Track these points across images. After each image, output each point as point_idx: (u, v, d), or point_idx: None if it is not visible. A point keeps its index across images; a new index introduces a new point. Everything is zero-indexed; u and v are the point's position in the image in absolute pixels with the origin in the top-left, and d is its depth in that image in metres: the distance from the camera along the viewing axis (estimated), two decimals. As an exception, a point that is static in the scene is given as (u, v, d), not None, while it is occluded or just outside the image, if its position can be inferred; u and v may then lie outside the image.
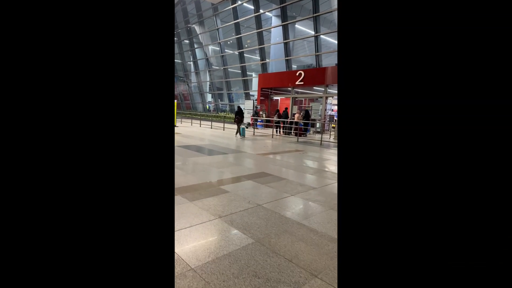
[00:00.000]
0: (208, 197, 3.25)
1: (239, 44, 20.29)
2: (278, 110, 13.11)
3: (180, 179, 3.98)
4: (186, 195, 3.28)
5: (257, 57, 20.98)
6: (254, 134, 11.83)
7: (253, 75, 20.96)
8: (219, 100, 24.53)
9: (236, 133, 10.71)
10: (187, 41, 26.01)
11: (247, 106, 16.95)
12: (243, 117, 10.74)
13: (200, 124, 16.06)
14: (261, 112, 16.02)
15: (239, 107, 11.23)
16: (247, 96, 20.54)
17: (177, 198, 3.15)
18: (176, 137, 9.50)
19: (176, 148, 6.93)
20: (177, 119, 15.79)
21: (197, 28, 24.36)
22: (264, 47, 18.62)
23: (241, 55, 20.44)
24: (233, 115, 20.46)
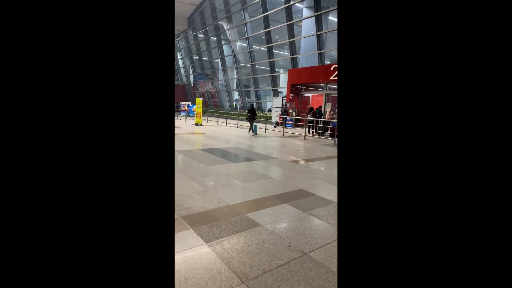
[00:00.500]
0: (230, 234, 2.32)
1: (268, 39, 19.25)
2: (312, 108, 11.88)
3: (198, 200, 3.11)
4: (201, 229, 2.39)
5: (285, 53, 19.80)
6: (283, 135, 10.79)
7: (281, 71, 19.84)
8: (246, 97, 23.77)
9: (249, 131, 10.79)
10: (214, 38, 25.54)
11: (275, 104, 15.91)
12: (255, 114, 10.86)
13: (226, 123, 15.35)
14: (290, 110, 14.89)
15: (252, 105, 11.36)
16: (275, 93, 19.48)
17: (189, 235, 2.27)
18: (201, 138, 8.79)
19: (199, 152, 6.15)
20: (203, 118, 15.23)
21: (224, 24, 23.75)
22: (294, 40, 17.40)
23: (269, 50, 19.39)
24: (260, 113, 19.67)
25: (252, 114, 10.74)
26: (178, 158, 5.33)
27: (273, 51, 19.45)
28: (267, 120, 13.30)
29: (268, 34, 19.08)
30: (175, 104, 21.05)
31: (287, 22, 17.11)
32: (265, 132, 11.66)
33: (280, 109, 15.10)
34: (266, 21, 18.88)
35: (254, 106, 11.98)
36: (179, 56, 33.47)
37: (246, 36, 21.03)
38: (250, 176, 4.28)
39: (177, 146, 6.78)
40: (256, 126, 10.86)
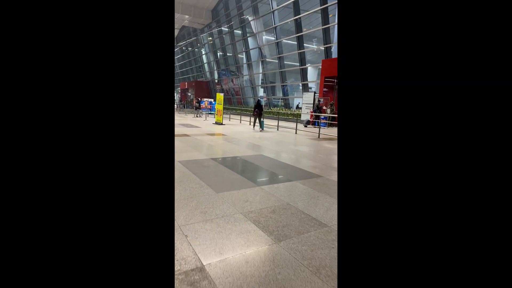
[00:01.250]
0: None
1: (298, 27, 17.17)
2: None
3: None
4: None
5: (313, 45, 17.62)
6: (319, 137, 8.80)
7: (308, 65, 17.65)
8: (271, 94, 21.88)
9: (254, 126, 10.66)
10: (239, 31, 23.89)
11: (306, 100, 13.88)
12: (262, 110, 10.64)
13: (250, 121, 13.63)
14: (324, 107, 12.77)
15: (258, 100, 11.09)
16: (305, 88, 17.38)
17: None
18: (218, 141, 7.13)
19: (211, 164, 4.45)
20: (224, 116, 13.64)
21: (250, 15, 21.98)
22: (328, 27, 15.18)
23: (299, 41, 17.29)
24: (287, 111, 17.75)
25: (259, 110, 10.45)
26: (179, 176, 3.66)
27: (304, 43, 17.35)
28: (297, 118, 11.34)
29: (298, 22, 17.00)
30: (196, 100, 19.80)
31: (320, 6, 14.92)
32: (296, 132, 9.74)
33: (311, 105, 13.06)
34: (296, 7, 16.80)
35: (261, 102, 11.23)
36: (203, 52, 32.39)
37: (274, 26, 19.07)
38: (285, 219, 2.45)
39: (185, 154, 5.15)
40: (263, 122, 10.55)
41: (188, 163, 4.38)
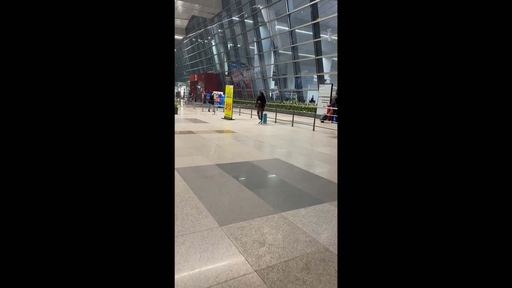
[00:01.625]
0: None
1: (313, 14, 15.85)
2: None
3: None
4: None
5: (327, 36, 16.27)
6: (340, 135, 7.74)
7: (324, 56, 16.35)
8: (283, 86, 20.71)
9: (259, 121, 10.31)
10: (250, 21, 22.66)
11: (322, 93, 12.73)
12: (265, 102, 10.50)
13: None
14: (344, 101, 11.62)
15: (261, 92, 10.80)
16: (321, 80, 16.15)
17: None
18: (226, 140, 6.23)
19: (215, 174, 3.55)
20: (233, 110, 12.70)
21: (261, 4, 20.70)
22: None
23: (315, 30, 15.99)
24: (301, 104, 16.64)
25: (262, 102, 10.27)
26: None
27: (319, 32, 16.03)
28: (315, 114, 10.26)
29: (314, 8, 15.68)
30: (206, 94, 18.93)
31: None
32: (313, 129, 8.71)
33: (328, 99, 11.93)
34: (312, -9, 15.45)
35: (273, 95, 10.86)
36: (213, 43, 31.33)
37: (288, 13, 17.78)
38: (329, 287, 1.51)
39: (186, 158, 4.26)
40: (265, 115, 10.31)
41: (187, 172, 3.49)
